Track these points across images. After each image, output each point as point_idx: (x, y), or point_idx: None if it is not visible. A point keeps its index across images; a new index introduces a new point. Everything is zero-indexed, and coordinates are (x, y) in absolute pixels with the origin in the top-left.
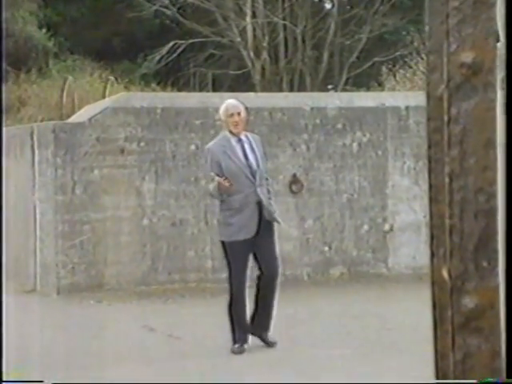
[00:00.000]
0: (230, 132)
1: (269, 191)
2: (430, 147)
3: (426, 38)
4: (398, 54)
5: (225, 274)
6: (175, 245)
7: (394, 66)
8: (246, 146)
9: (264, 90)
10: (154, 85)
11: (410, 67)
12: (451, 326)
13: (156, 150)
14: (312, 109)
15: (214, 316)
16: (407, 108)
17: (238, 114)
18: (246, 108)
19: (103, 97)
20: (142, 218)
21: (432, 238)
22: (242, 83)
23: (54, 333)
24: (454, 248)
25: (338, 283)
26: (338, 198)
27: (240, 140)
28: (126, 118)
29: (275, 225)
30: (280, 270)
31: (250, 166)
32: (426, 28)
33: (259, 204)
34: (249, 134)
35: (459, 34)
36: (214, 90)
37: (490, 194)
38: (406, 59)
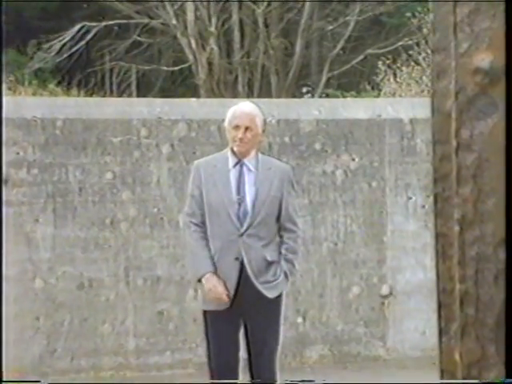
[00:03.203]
0: (232, 150)
1: (288, 248)
2: (435, 182)
3: (430, 31)
4: (399, 44)
5: (153, 359)
6: (82, 316)
7: (394, 61)
8: (247, 175)
9: (211, 94)
10: (52, 85)
11: (417, 63)
12: None
13: (55, 179)
14: (279, 121)
15: None
16: (413, 121)
17: (247, 129)
18: (265, 120)
19: None
20: (33, 277)
21: (440, 308)
22: (179, 84)
23: None
24: (468, 323)
25: (316, 369)
26: (315, 248)
27: (240, 163)
28: (10, 134)
29: (279, 300)
30: (276, 374)
31: (238, 203)
32: (431, 18)
33: (240, 261)
34: (262, 159)
35: (471, 28)
36: (140, 93)
37: None
38: (412, 52)
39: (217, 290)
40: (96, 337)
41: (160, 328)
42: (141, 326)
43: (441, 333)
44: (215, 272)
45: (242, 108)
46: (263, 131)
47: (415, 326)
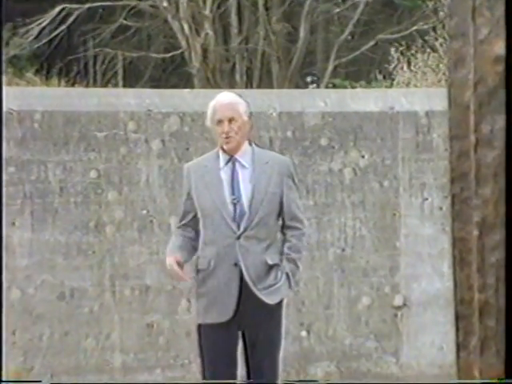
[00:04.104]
0: (222, 148)
1: (291, 247)
2: (453, 181)
3: (447, 16)
4: (414, 29)
5: (142, 376)
6: (63, 330)
7: (408, 47)
8: (241, 172)
9: (206, 84)
10: (29, 74)
11: (434, 50)
12: None
13: (33, 178)
14: (280, 114)
15: None
16: (429, 114)
17: (231, 120)
18: (250, 113)
19: None
20: (9, 286)
21: (457, 320)
22: (171, 73)
23: None
24: (488, 336)
25: None
26: (321, 255)
27: (232, 160)
28: None
29: (280, 305)
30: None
31: (233, 204)
32: (447, 1)
33: (239, 267)
34: (258, 153)
35: (491, 12)
36: (127, 83)
37: None
38: (427, 37)
39: (172, 269)
40: (78, 352)
41: (149, 343)
42: (128, 340)
43: (459, 347)
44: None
45: (220, 100)
46: (249, 118)
47: (432, 340)
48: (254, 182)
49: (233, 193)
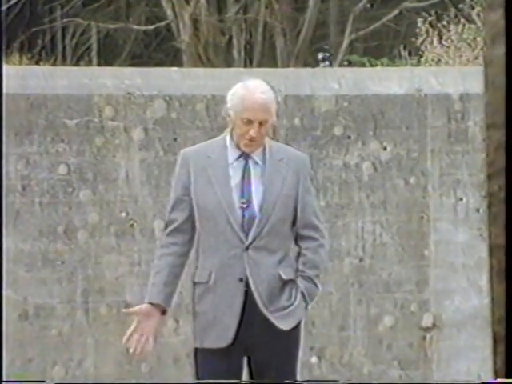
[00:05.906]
0: (235, 143)
1: (305, 262)
2: (489, 178)
3: None
4: None
5: None
6: (26, 355)
7: (438, 19)
8: (253, 169)
9: (197, 62)
10: None
11: (469, 21)
12: None
13: None
14: (286, 98)
15: None
16: (464, 97)
17: (262, 123)
18: (278, 103)
19: None
20: None
21: (495, 343)
22: (155, 49)
23: None
24: None
25: None
26: (335, 266)
27: (244, 155)
28: None
29: (296, 331)
30: None
31: (242, 208)
32: None
33: (245, 283)
34: (271, 147)
35: None
36: (103, 61)
37: None
38: (462, 6)
39: (130, 335)
40: (44, 382)
41: (129, 371)
42: (104, 367)
43: (497, 375)
44: (159, 304)
45: (255, 97)
46: (277, 116)
47: (467, 367)
48: (267, 181)
49: (242, 195)
